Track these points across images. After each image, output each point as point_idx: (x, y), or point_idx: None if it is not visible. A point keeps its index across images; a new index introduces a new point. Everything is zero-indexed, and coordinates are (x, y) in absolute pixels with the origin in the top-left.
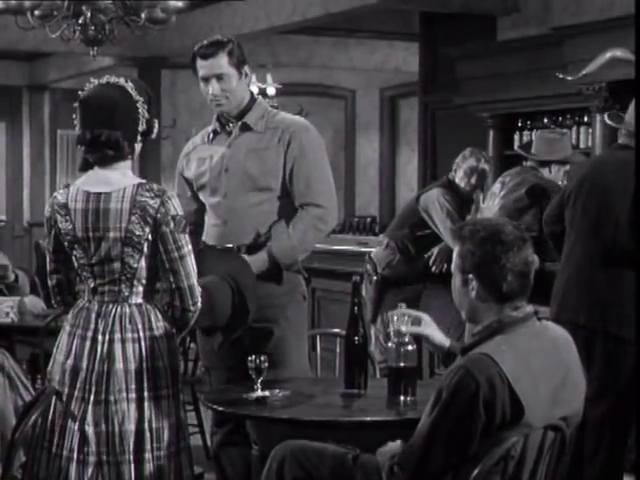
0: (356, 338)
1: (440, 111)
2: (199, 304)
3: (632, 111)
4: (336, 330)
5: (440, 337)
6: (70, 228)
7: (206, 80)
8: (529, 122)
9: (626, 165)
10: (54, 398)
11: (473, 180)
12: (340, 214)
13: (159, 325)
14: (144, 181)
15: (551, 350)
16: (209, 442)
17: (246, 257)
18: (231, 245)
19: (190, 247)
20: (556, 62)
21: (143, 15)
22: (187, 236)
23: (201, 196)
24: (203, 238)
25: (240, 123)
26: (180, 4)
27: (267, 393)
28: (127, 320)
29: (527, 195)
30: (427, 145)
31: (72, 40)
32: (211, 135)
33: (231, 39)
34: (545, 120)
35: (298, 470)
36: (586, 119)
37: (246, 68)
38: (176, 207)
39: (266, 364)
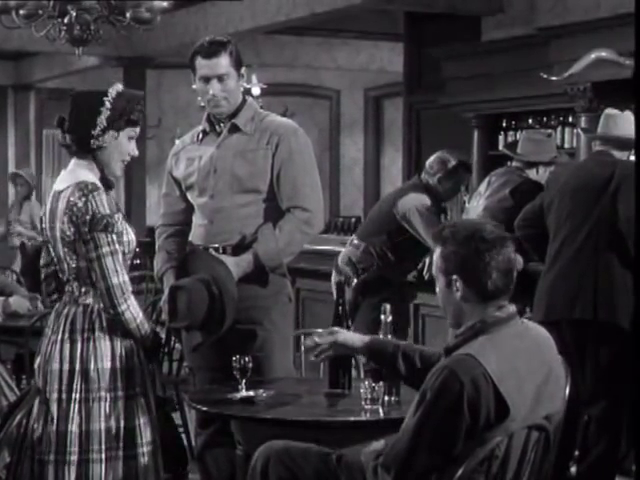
0: None
1: (425, 111)
2: (121, 308)
3: (604, 122)
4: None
5: (356, 337)
6: (43, 227)
7: (206, 80)
8: (514, 122)
9: (603, 166)
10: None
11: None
12: (325, 214)
13: (103, 326)
14: (82, 180)
15: (534, 349)
16: (193, 443)
17: (231, 258)
18: (217, 245)
19: (114, 247)
20: (541, 62)
21: (128, 15)
22: (110, 235)
23: (189, 196)
24: (190, 237)
25: (229, 124)
26: (165, 4)
27: (251, 393)
28: (69, 320)
29: (512, 195)
30: (412, 145)
31: (57, 40)
32: (200, 135)
33: (230, 39)
34: (530, 120)
35: (282, 470)
36: (571, 119)
37: (243, 69)
38: (99, 205)
39: (250, 364)
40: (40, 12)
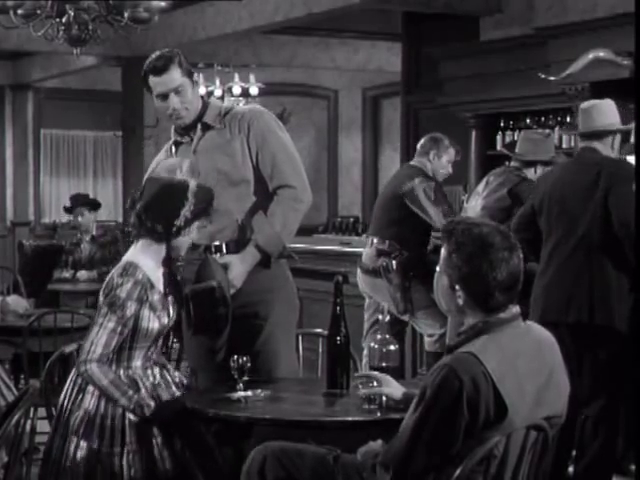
0: (338, 338)
1: (423, 111)
2: (83, 368)
3: (581, 118)
4: (318, 330)
5: (398, 393)
6: None
7: (164, 96)
8: (512, 122)
9: (588, 166)
10: None
11: (450, 170)
12: (323, 214)
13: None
14: (132, 261)
15: (536, 351)
16: None
17: (235, 257)
18: (218, 243)
19: (107, 324)
20: (539, 62)
21: (126, 14)
22: (110, 314)
23: None
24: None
25: (200, 124)
26: (163, 4)
27: (249, 393)
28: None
29: (509, 195)
30: (410, 145)
31: (55, 39)
32: (173, 148)
33: (175, 51)
34: (528, 120)
35: (279, 470)
36: (569, 119)
37: (195, 75)
38: (121, 288)
39: (249, 364)
40: (38, 12)
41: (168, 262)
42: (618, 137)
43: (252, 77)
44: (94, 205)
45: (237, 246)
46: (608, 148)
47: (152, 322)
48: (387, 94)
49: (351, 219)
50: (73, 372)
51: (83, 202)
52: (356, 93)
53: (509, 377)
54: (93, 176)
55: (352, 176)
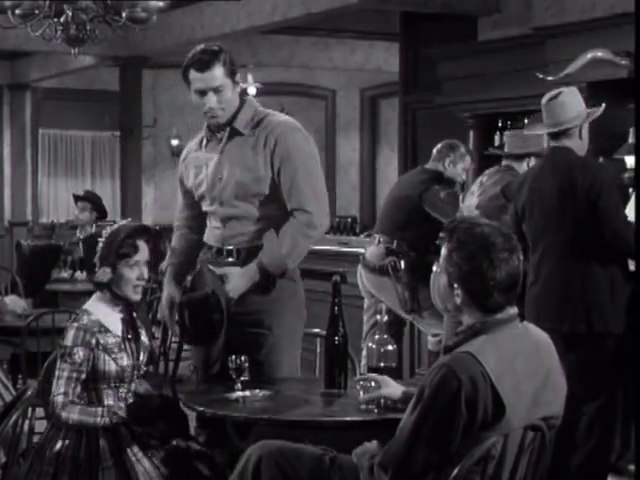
0: (336, 338)
1: (421, 111)
2: (54, 417)
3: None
4: (316, 330)
5: (398, 392)
6: None
7: (202, 93)
8: (510, 122)
9: (563, 170)
10: None
11: (465, 177)
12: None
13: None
14: (84, 309)
15: (533, 352)
16: None
17: (237, 269)
18: (231, 247)
19: (61, 373)
20: (537, 62)
21: (124, 14)
22: (62, 363)
23: (202, 205)
24: (205, 239)
25: (229, 129)
26: (161, 4)
27: (247, 393)
28: None
29: (503, 194)
30: (407, 145)
31: (54, 39)
32: (204, 141)
33: (222, 48)
34: (526, 120)
35: (275, 471)
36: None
37: (237, 76)
38: (66, 335)
39: (246, 364)
40: (36, 12)
41: (127, 308)
42: (585, 125)
43: (250, 77)
44: (101, 212)
45: (248, 254)
46: (576, 140)
47: (108, 364)
48: (385, 94)
49: (349, 219)
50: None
51: (93, 201)
52: (354, 93)
53: (507, 377)
54: (91, 176)
55: (350, 176)
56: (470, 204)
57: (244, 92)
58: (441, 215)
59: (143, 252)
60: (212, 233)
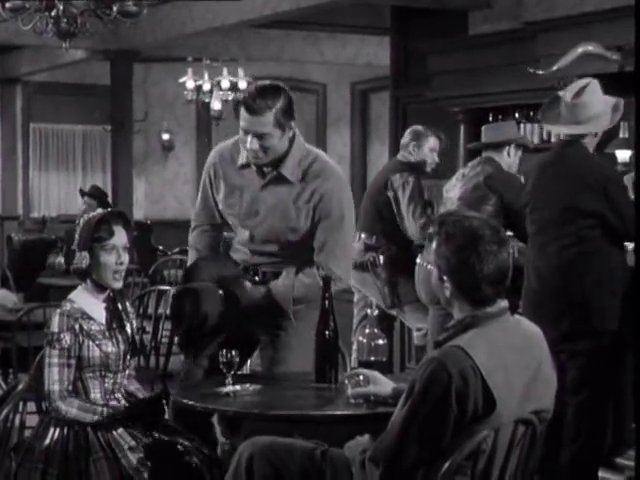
0: (327, 332)
1: (411, 105)
2: (50, 408)
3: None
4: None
5: (386, 390)
6: None
7: (246, 132)
8: (500, 116)
9: (570, 169)
10: None
11: (436, 158)
12: None
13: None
14: (68, 299)
15: (524, 345)
16: None
17: (248, 285)
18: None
19: (52, 360)
20: (528, 57)
21: (115, 8)
22: (51, 350)
23: (230, 219)
24: (231, 252)
25: (275, 173)
26: None
27: (238, 387)
28: None
29: (485, 184)
30: (398, 139)
31: (44, 33)
32: (243, 160)
33: (283, 90)
34: (517, 115)
35: (267, 467)
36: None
37: (292, 123)
38: (52, 323)
39: (237, 359)
40: (27, 5)
41: (109, 296)
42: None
43: (241, 71)
44: (106, 207)
45: (273, 277)
46: (591, 136)
47: (92, 350)
48: (376, 88)
49: None
50: (45, 412)
51: (99, 196)
52: (344, 87)
53: (498, 371)
54: (82, 170)
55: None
56: (452, 196)
57: (232, 87)
58: (403, 199)
59: (120, 236)
60: (239, 250)
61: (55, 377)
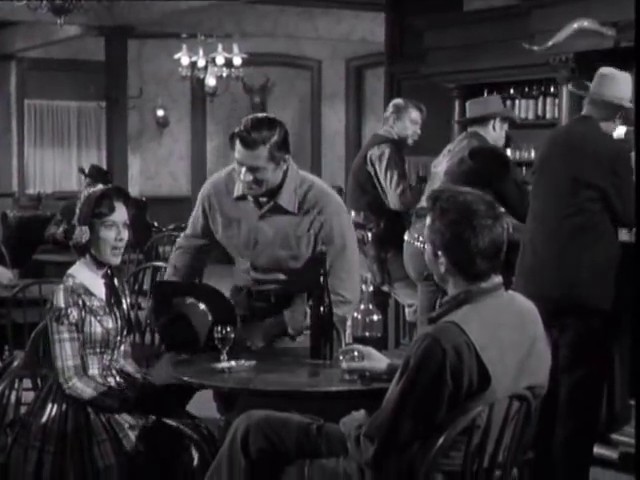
0: (322, 308)
1: (406, 81)
2: (67, 385)
3: (596, 82)
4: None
5: (381, 366)
6: None
7: (240, 164)
8: (495, 92)
9: (579, 144)
10: None
11: (418, 130)
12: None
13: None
14: (68, 274)
15: (518, 321)
16: None
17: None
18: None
19: (60, 336)
20: (523, 33)
21: None
22: (59, 326)
23: (229, 248)
24: (233, 279)
25: (272, 204)
26: None
27: (233, 363)
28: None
29: (470, 157)
30: None
31: (39, 9)
32: (239, 191)
33: (280, 124)
34: (512, 91)
35: (263, 441)
36: (552, 90)
37: (286, 156)
38: (57, 298)
39: (232, 335)
40: None
41: (107, 273)
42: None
43: (236, 47)
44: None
45: (277, 299)
46: (609, 125)
47: (94, 326)
48: (370, 64)
49: (334, 189)
50: (40, 389)
51: (100, 176)
52: (339, 63)
53: (492, 347)
54: (77, 147)
55: (335, 147)
56: (439, 170)
57: (227, 63)
58: (380, 171)
59: (120, 213)
60: (241, 276)
61: (68, 352)
